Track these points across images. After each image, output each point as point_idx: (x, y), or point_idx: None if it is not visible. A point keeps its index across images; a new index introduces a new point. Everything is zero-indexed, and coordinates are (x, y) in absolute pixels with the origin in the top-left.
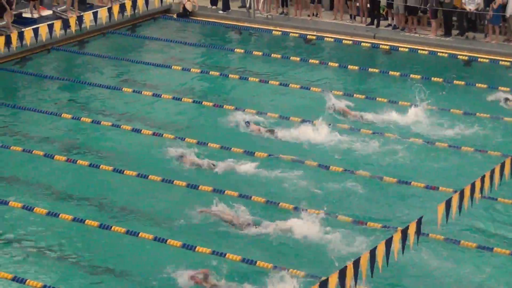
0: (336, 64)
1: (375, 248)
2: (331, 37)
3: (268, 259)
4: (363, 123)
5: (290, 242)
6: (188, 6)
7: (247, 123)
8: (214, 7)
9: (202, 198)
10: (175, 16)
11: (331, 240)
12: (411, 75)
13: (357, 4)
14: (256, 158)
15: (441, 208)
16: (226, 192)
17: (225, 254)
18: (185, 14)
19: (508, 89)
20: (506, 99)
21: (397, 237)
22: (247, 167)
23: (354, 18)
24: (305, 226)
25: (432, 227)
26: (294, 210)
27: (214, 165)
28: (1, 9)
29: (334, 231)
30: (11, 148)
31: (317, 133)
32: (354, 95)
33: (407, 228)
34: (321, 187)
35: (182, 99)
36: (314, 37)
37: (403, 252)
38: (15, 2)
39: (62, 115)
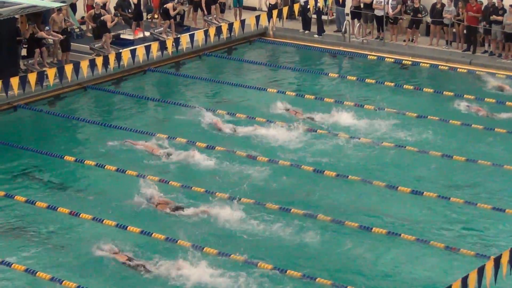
0: (431, 90)
1: (467, 276)
2: (427, 63)
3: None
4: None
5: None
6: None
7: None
8: (307, 31)
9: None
10: None
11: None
12: (507, 103)
13: (454, 29)
14: None
15: None
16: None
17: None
18: None
19: None
20: None
21: (489, 266)
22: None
23: (450, 44)
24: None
25: None
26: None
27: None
28: (100, 30)
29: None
30: (106, 167)
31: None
32: (450, 121)
33: (500, 256)
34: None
35: (276, 122)
36: (409, 63)
37: (495, 281)
38: (114, 24)
39: (158, 135)
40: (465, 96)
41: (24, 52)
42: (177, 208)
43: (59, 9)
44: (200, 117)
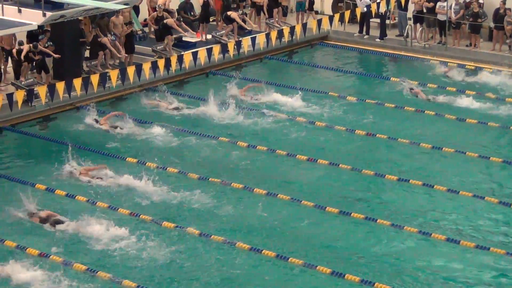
0: (493, 96)
1: None
2: (489, 68)
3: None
4: None
5: None
6: None
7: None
8: (366, 36)
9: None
10: None
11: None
12: None
13: None
14: None
15: None
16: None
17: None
18: None
19: None
20: None
21: None
22: None
23: None
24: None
25: None
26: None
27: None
28: (163, 33)
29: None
30: (168, 169)
31: None
32: (511, 127)
33: None
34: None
35: (335, 127)
36: (472, 67)
37: None
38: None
39: (219, 138)
40: None
41: (87, 53)
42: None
43: (118, 12)
44: (261, 119)
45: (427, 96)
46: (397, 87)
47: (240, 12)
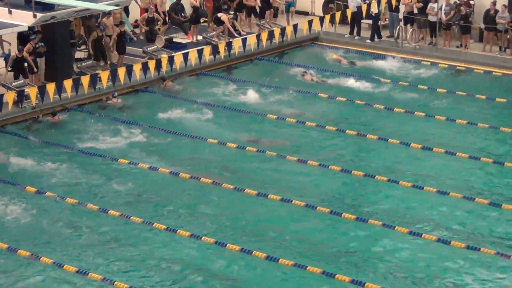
0: (484, 96)
1: None
2: (480, 69)
3: None
4: None
5: None
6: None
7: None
8: (357, 37)
9: None
10: None
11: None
12: None
13: (508, 36)
14: None
15: None
16: None
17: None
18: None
19: None
20: None
21: None
22: None
23: (504, 50)
24: None
25: None
26: None
27: None
28: (153, 34)
29: None
30: (159, 170)
31: None
32: (500, 128)
33: None
34: None
35: (326, 127)
36: (463, 68)
37: None
38: (167, 27)
39: (208, 140)
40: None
41: (77, 55)
42: None
43: (109, 13)
44: (252, 120)
45: (318, 79)
46: (388, 87)
47: (231, 14)
